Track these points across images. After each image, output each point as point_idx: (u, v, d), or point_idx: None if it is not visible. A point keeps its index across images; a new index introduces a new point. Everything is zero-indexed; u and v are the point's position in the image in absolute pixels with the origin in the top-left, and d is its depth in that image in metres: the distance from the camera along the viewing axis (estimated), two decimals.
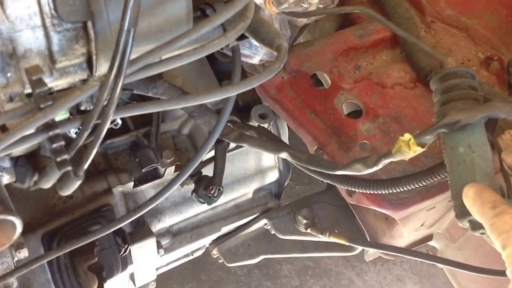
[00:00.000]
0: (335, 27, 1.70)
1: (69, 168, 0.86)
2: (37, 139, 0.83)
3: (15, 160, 1.02)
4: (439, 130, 1.06)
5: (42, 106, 0.79)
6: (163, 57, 0.88)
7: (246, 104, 1.61)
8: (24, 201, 1.34)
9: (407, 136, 1.03)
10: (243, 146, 1.60)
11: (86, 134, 0.86)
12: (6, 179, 0.96)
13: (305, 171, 1.32)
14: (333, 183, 1.28)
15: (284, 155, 1.26)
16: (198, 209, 1.62)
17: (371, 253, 1.69)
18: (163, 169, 1.46)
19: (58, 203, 1.38)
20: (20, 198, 1.33)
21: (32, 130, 0.84)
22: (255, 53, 1.32)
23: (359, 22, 1.61)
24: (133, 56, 0.84)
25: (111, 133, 1.49)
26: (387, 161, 1.09)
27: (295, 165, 1.31)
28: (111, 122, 1.19)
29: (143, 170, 1.46)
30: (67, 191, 0.96)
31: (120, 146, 1.51)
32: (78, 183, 0.93)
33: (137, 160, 1.49)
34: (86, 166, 0.90)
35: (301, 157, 1.24)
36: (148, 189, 1.52)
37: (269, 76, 0.92)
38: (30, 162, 1.03)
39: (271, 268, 2.62)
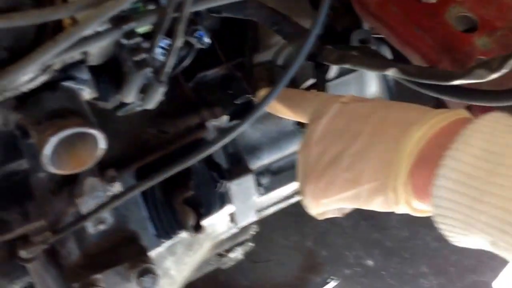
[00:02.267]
0: None
1: (148, 69, 0.78)
2: (111, 35, 0.75)
3: (98, 75, 0.95)
4: None
5: None
6: None
7: (344, 30, 1.47)
8: (115, 136, 1.28)
9: None
10: (344, 76, 1.48)
11: (161, 28, 0.77)
12: (88, 93, 0.89)
13: (418, 89, 1.16)
14: (447, 98, 1.12)
15: (391, 71, 1.11)
16: (298, 146, 1.51)
17: None
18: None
19: (151, 138, 1.32)
20: (111, 133, 1.27)
21: (104, 24, 0.76)
22: None
23: None
24: None
25: (202, 66, 1.41)
26: None
27: (404, 82, 1.16)
28: (199, 41, 1.10)
29: (236, 102, 1.37)
30: (150, 102, 0.88)
31: (212, 79, 1.43)
32: (161, 90, 0.84)
33: (230, 92, 1.40)
34: (169, 70, 0.81)
35: (411, 70, 1.09)
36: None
37: None
38: (113, 78, 0.96)
39: (379, 219, 2.47)
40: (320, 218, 1.07)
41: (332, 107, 0.93)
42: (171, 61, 0.80)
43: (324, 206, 0.93)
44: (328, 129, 0.91)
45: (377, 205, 0.83)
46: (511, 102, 1.04)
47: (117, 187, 1.20)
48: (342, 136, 0.88)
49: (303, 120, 1.07)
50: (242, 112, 1.41)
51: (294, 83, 1.44)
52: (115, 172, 1.21)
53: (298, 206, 1.77)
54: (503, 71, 0.95)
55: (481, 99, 1.09)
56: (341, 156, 0.86)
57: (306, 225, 2.45)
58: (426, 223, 2.28)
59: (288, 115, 1.14)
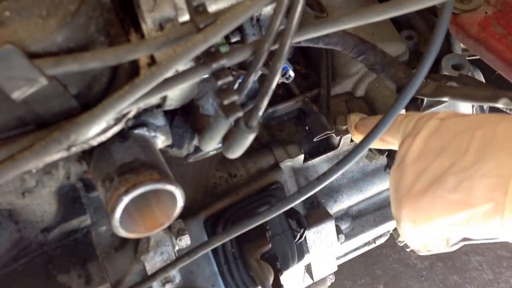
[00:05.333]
0: None
1: (240, 113, 0.64)
2: (197, 75, 0.61)
3: (170, 120, 0.83)
4: None
5: (201, 25, 0.58)
6: None
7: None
8: (182, 181, 1.16)
9: None
10: (433, 108, 1.32)
11: (260, 64, 0.63)
12: (161, 141, 0.76)
13: None
14: None
15: (503, 102, 0.96)
16: (381, 187, 1.36)
17: None
18: (338, 138, 1.22)
19: (220, 183, 1.18)
20: (178, 178, 1.15)
21: (189, 63, 0.63)
22: None
23: None
24: None
25: (273, 101, 1.28)
26: None
27: None
28: (283, 75, 0.97)
29: (314, 140, 1.23)
30: (237, 151, 0.74)
31: (285, 115, 1.29)
32: (251, 137, 0.71)
33: (306, 128, 1.26)
34: (261, 113, 0.67)
35: None
36: (321, 163, 1.28)
37: None
38: (188, 122, 0.83)
39: (457, 260, 2.27)
40: (423, 252, 0.93)
41: (428, 124, 0.83)
42: (264, 103, 0.66)
43: (425, 233, 0.80)
44: (425, 147, 0.81)
45: (492, 230, 0.70)
46: None
47: (185, 241, 1.07)
48: (443, 153, 0.77)
49: (392, 145, 0.94)
50: (319, 149, 1.27)
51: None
52: (183, 223, 1.08)
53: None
54: None
55: None
56: (445, 175, 0.74)
57: (377, 267, 2.26)
58: (511, 264, 2.05)
59: (375, 143, 1.01)
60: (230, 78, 0.62)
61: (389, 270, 2.26)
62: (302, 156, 1.23)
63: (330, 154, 1.26)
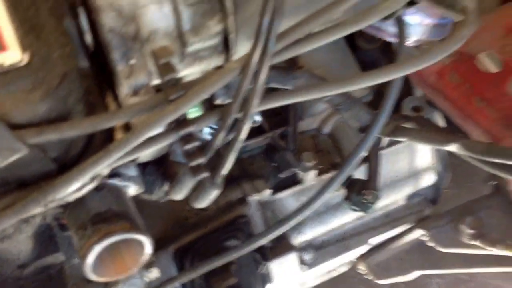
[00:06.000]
0: (498, 2, 1.43)
1: (205, 174, 0.70)
2: (167, 140, 0.67)
3: (143, 167, 0.88)
4: None
5: (172, 97, 0.64)
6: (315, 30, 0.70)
7: None
8: (153, 214, 1.21)
9: None
10: (392, 146, 1.39)
11: (225, 131, 0.69)
12: (134, 189, 0.82)
13: (482, 167, 1.07)
14: None
15: (453, 147, 1.01)
16: (343, 219, 1.42)
17: None
18: (304, 174, 1.28)
19: (190, 215, 1.24)
20: (149, 210, 1.20)
21: (160, 129, 0.69)
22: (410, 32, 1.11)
23: None
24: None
25: None
26: None
27: (466, 158, 1.06)
28: None
29: (281, 176, 1.29)
30: (202, 203, 0.80)
31: (255, 149, 1.35)
32: (215, 193, 0.76)
33: (274, 164, 1.32)
34: (224, 173, 0.73)
35: (478, 148, 0.98)
36: (287, 197, 1.34)
37: (455, 46, 0.70)
38: (159, 170, 0.89)
39: (419, 283, 2.34)
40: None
41: None
42: (230, 163, 0.72)
43: None
44: None
45: None
46: None
47: (155, 273, 1.12)
48: None
49: None
50: (286, 184, 1.33)
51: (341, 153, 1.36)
52: (153, 255, 1.13)
53: None
54: None
55: None
56: None
57: (342, 286, 2.33)
58: (469, 287, 2.10)
59: None
60: (197, 143, 0.67)
61: None
62: (268, 191, 1.28)
63: (296, 189, 1.32)
